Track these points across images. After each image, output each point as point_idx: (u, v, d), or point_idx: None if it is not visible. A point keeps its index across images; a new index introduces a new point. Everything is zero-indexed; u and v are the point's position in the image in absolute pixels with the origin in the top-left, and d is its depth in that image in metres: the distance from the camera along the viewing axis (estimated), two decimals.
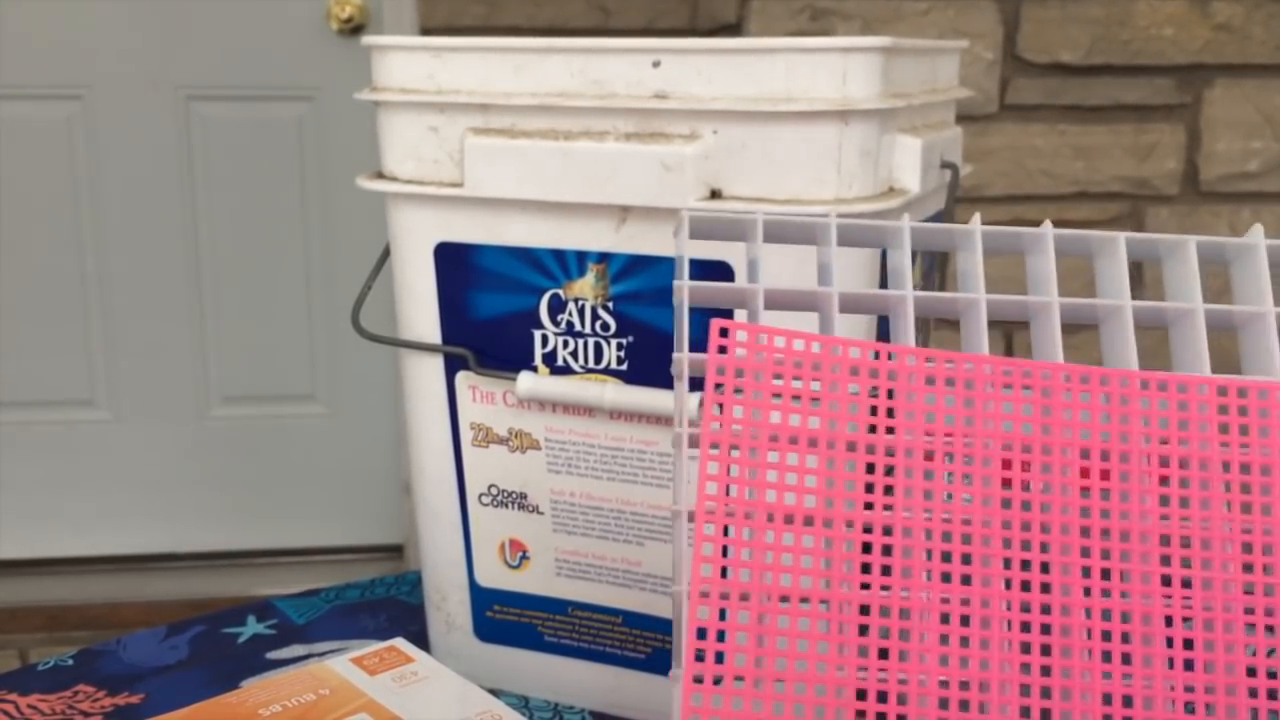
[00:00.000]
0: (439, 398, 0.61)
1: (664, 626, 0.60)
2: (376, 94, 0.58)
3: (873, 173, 0.53)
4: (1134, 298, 0.44)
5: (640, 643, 0.60)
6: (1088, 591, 0.39)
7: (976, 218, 0.45)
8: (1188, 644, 0.40)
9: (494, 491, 0.61)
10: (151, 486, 2.11)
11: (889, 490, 0.43)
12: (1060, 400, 0.41)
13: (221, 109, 1.98)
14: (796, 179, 0.52)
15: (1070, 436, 0.40)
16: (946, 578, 0.39)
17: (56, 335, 2.04)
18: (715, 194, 0.53)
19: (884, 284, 0.55)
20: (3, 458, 2.08)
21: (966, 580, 0.39)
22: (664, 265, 0.55)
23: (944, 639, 0.39)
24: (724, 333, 0.41)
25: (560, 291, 0.57)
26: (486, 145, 0.56)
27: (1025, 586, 0.46)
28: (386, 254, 0.62)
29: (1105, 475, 0.41)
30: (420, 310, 0.60)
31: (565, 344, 0.57)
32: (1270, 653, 0.39)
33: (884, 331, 0.57)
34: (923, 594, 0.39)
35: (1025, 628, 0.39)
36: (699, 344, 0.54)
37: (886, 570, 0.40)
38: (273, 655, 0.68)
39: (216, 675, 0.66)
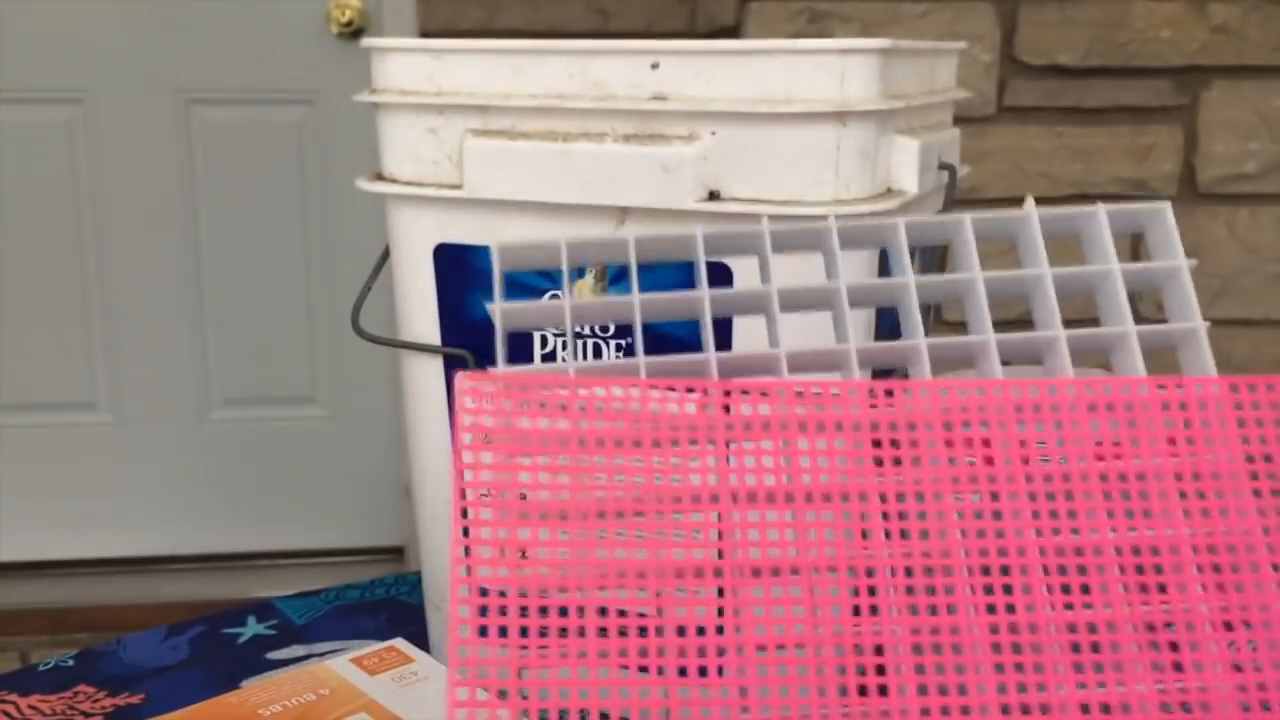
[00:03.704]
0: (438, 398, 0.61)
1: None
2: (376, 96, 0.58)
3: (871, 174, 0.53)
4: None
5: None
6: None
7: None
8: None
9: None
10: (152, 489, 2.11)
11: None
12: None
13: (222, 112, 1.98)
14: (795, 180, 0.53)
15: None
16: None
17: (58, 338, 2.04)
18: (714, 195, 0.54)
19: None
20: (4, 460, 2.08)
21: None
22: (663, 267, 0.55)
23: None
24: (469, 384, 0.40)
25: (559, 293, 0.57)
26: (486, 147, 0.56)
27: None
28: (386, 255, 0.62)
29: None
30: (420, 311, 0.60)
31: (564, 345, 0.58)
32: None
33: (888, 326, 0.57)
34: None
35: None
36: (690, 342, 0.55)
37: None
38: (273, 655, 0.69)
39: (217, 675, 0.66)
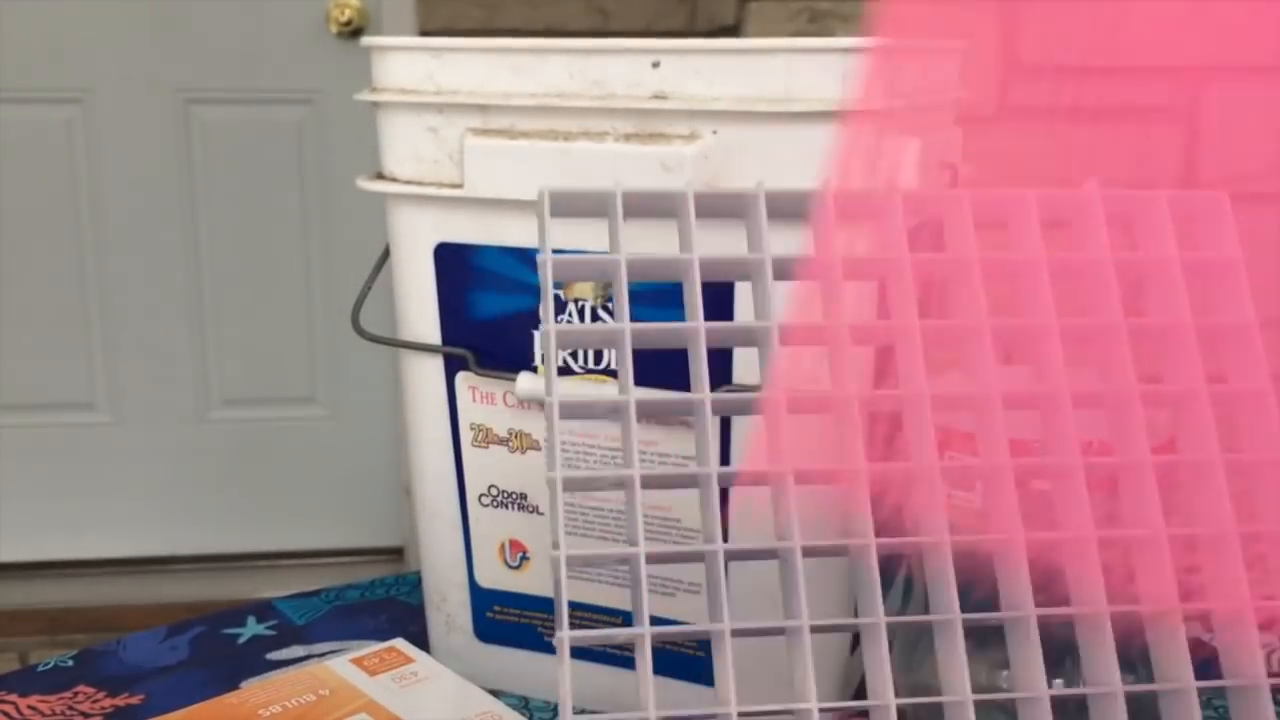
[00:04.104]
0: (439, 398, 0.61)
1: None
2: (376, 95, 0.58)
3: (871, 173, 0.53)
4: None
5: None
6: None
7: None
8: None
9: (494, 492, 0.61)
10: (152, 489, 2.11)
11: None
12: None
13: (221, 112, 1.98)
14: (796, 179, 0.52)
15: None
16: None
17: (57, 339, 2.04)
18: None
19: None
20: (3, 461, 2.08)
21: None
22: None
23: None
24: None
25: (560, 292, 0.57)
26: (486, 146, 0.56)
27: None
28: (386, 255, 0.62)
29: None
30: (420, 311, 0.60)
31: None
32: None
33: None
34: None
35: None
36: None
37: None
38: (273, 656, 0.68)
39: (216, 676, 0.66)
